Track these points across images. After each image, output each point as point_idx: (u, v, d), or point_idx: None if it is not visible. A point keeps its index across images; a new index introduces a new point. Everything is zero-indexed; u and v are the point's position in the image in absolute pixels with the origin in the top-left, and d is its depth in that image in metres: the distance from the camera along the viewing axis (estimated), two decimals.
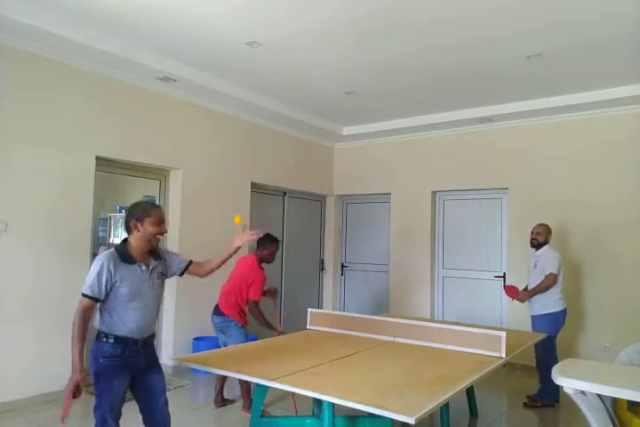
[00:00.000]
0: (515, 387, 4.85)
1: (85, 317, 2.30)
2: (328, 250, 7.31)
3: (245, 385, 3.80)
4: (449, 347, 3.16)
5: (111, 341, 2.35)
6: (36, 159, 3.96)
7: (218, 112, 5.47)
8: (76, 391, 2.21)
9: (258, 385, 2.71)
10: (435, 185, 6.37)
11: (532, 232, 4.42)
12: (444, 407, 3.15)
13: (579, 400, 2.31)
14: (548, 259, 4.25)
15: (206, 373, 4.52)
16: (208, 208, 5.30)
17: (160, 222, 2.47)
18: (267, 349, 3.16)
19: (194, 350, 4.86)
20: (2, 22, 3.51)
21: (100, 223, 4.81)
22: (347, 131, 6.75)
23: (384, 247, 6.83)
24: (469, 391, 3.81)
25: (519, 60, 4.27)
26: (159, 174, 5.09)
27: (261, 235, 2.31)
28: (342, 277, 7.33)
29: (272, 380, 2.36)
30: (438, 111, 5.87)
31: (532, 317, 4.32)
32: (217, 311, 3.95)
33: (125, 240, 2.46)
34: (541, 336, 3.88)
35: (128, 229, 2.45)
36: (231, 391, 4.19)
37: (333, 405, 2.34)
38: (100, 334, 2.38)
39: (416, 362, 2.85)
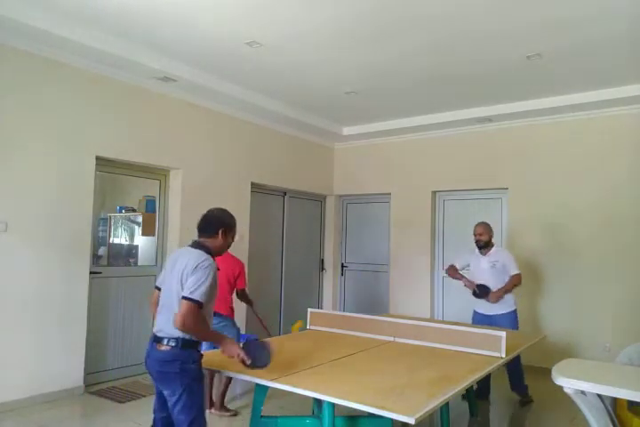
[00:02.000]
0: None
1: (201, 320, 2.24)
2: (328, 250, 7.31)
3: (225, 384, 3.80)
4: (449, 347, 3.16)
5: (195, 346, 2.32)
6: (36, 159, 3.96)
7: (218, 112, 5.47)
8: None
9: (258, 385, 2.71)
10: (435, 185, 6.37)
11: (475, 234, 4.40)
12: (444, 407, 3.14)
13: (579, 400, 2.30)
14: (507, 259, 4.28)
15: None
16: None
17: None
18: None
19: None
20: (2, 22, 3.51)
21: (100, 223, 4.81)
22: (347, 131, 6.74)
23: (384, 247, 6.83)
24: (469, 391, 3.81)
25: (519, 60, 4.27)
26: (159, 174, 5.09)
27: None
28: (342, 277, 7.32)
29: (272, 380, 2.36)
30: (438, 111, 5.87)
31: (497, 316, 4.24)
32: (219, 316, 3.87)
33: (201, 244, 2.43)
34: (541, 336, 3.88)
35: (210, 233, 2.45)
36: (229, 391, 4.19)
37: (333, 405, 2.33)
38: (184, 342, 2.27)
39: (416, 362, 2.85)
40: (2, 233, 3.73)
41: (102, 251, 4.88)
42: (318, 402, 3.00)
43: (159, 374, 2.29)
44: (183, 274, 2.29)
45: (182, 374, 2.23)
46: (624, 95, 4.84)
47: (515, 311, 4.30)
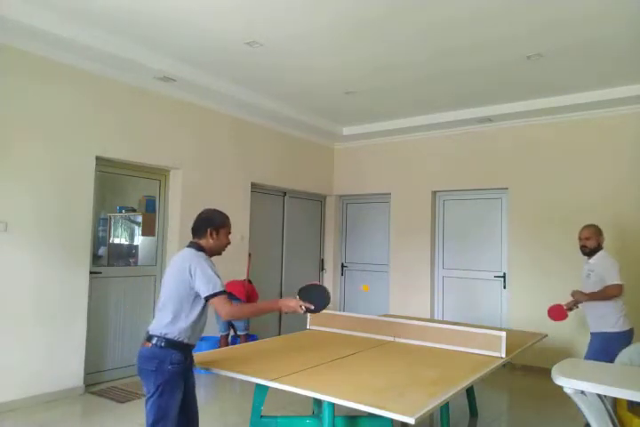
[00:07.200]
0: (515, 387, 4.85)
1: (237, 304, 2.35)
2: (328, 250, 7.31)
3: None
4: (449, 347, 3.16)
5: (178, 347, 2.30)
6: (36, 159, 3.95)
7: (218, 112, 5.47)
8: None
9: (258, 385, 2.71)
10: (435, 185, 6.37)
11: (580, 238, 3.74)
12: (444, 407, 3.15)
13: (579, 400, 2.30)
14: (605, 268, 3.57)
15: (206, 373, 4.52)
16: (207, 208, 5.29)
17: (230, 233, 2.54)
18: (267, 349, 3.16)
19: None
20: (2, 22, 3.51)
21: (100, 223, 4.81)
22: (347, 131, 6.75)
23: (384, 247, 6.83)
24: (469, 391, 3.81)
25: (519, 60, 4.27)
26: (159, 174, 5.09)
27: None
28: (342, 277, 7.33)
29: (272, 380, 2.36)
30: (438, 111, 5.87)
31: (592, 333, 3.73)
32: (236, 299, 4.79)
33: (194, 242, 2.46)
34: (542, 336, 3.89)
35: (200, 234, 2.46)
36: (226, 393, 4.19)
37: (333, 405, 2.33)
38: (166, 341, 2.28)
39: (416, 362, 2.85)
40: (2, 233, 3.73)
41: (102, 251, 4.87)
42: (318, 402, 3.00)
43: (139, 371, 2.34)
44: (178, 275, 2.35)
45: (157, 374, 2.24)
46: (624, 95, 4.84)
47: (610, 335, 3.52)
